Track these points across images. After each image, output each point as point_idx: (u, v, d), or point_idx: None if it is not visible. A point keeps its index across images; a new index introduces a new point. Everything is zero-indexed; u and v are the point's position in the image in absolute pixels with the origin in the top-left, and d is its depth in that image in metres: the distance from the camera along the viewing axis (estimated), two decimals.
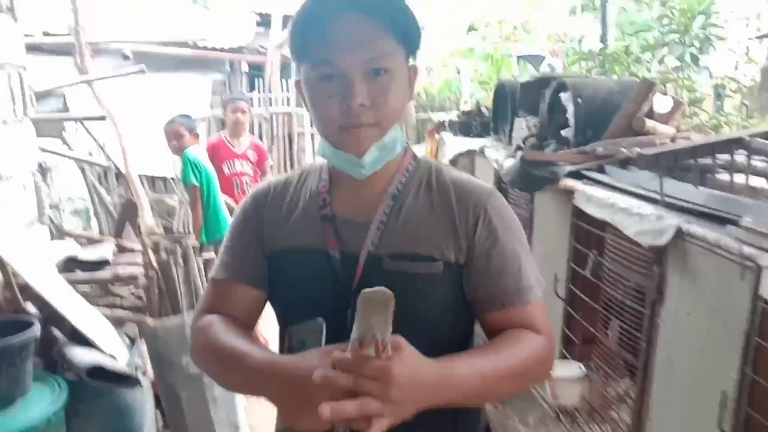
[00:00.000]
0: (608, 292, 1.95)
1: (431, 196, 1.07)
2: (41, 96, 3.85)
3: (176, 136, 3.73)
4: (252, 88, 7.53)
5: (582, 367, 2.27)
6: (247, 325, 1.14)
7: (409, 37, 1.03)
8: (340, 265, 1.05)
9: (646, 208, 1.75)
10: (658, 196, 1.78)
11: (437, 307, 1.04)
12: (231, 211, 4.39)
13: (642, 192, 1.92)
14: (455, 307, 1.06)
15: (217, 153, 4.44)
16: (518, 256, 1.04)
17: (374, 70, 0.98)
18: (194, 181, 3.73)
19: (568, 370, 2.36)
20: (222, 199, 3.94)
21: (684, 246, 1.62)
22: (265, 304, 1.16)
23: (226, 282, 1.13)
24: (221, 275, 1.13)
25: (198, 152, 3.87)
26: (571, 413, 2.64)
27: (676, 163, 1.80)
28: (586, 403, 2.40)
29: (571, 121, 2.63)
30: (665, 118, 2.77)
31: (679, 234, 1.61)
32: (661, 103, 2.73)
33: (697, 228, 1.57)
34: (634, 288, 1.84)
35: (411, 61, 1.05)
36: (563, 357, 2.39)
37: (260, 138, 7.30)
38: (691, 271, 1.60)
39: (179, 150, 3.78)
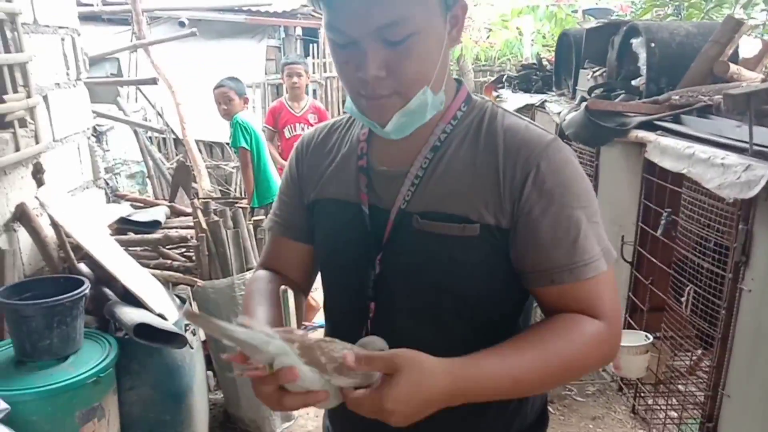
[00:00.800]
0: (683, 254, 1.75)
1: (477, 146, 0.93)
2: (95, 61, 3.89)
3: (225, 100, 3.72)
4: (306, 53, 7.46)
5: (649, 336, 2.09)
6: (301, 282, 1.12)
7: None
8: (370, 221, 0.97)
9: (732, 158, 1.53)
10: (745, 145, 1.56)
11: (474, 276, 0.92)
12: None
13: (726, 141, 1.70)
14: (497, 278, 0.93)
15: (278, 117, 4.47)
16: (578, 224, 0.88)
17: (392, 40, 0.85)
18: (245, 145, 3.71)
19: (634, 339, 2.18)
20: (271, 163, 3.92)
21: None
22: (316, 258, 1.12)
23: (273, 234, 1.14)
24: (269, 225, 1.15)
25: (248, 116, 3.85)
26: (635, 386, 2.47)
27: None
28: (652, 375, 2.22)
29: (643, 69, 2.38)
30: (752, 63, 2.47)
31: None
32: (747, 46, 2.44)
33: None
34: (714, 249, 1.63)
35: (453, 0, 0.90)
36: (629, 326, 2.21)
37: None
38: None
39: (228, 114, 3.76)
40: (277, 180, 3.94)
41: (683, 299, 1.69)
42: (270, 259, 1.14)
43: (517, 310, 0.99)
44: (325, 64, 7.31)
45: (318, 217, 1.06)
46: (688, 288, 1.68)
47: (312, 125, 4.47)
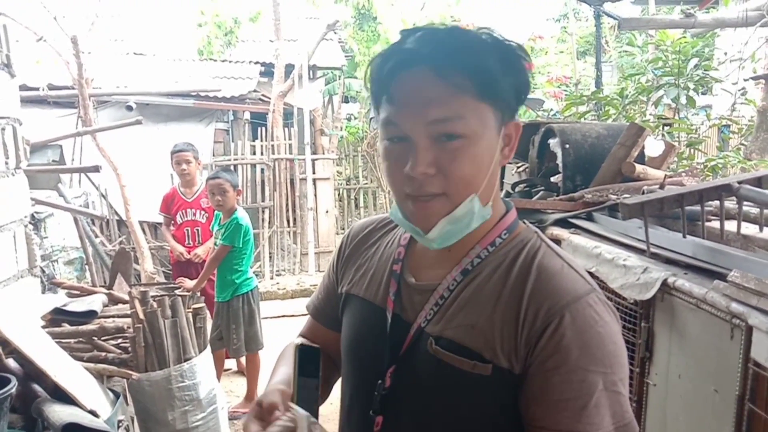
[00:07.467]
0: None
1: (507, 281, 0.90)
2: (38, 147, 3.89)
3: (220, 191, 3.77)
4: (255, 136, 7.62)
5: None
6: (336, 359, 1.13)
7: (500, 93, 0.88)
8: (391, 329, 0.98)
9: (633, 260, 1.69)
10: (645, 246, 1.73)
11: (482, 415, 0.88)
12: (178, 262, 4.49)
13: (629, 242, 1.87)
14: (507, 421, 0.88)
15: (171, 203, 4.56)
16: (590, 389, 0.81)
17: (445, 135, 0.85)
18: (237, 245, 3.79)
19: None
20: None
21: (671, 301, 1.55)
22: None
23: (310, 314, 1.20)
24: (308, 303, 1.21)
25: (245, 215, 3.93)
26: None
27: (662, 212, 1.75)
28: None
29: (561, 167, 2.60)
30: (657, 162, 2.73)
31: (666, 288, 1.55)
32: (652, 147, 2.70)
33: (683, 282, 1.49)
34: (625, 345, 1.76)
35: (508, 118, 0.91)
36: None
37: (262, 184, 7.36)
38: (679, 328, 1.53)
39: (222, 206, 3.81)
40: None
41: None
42: (307, 334, 1.19)
43: None
44: (272, 146, 7.47)
45: (346, 310, 1.09)
46: None
47: (204, 209, 4.54)
